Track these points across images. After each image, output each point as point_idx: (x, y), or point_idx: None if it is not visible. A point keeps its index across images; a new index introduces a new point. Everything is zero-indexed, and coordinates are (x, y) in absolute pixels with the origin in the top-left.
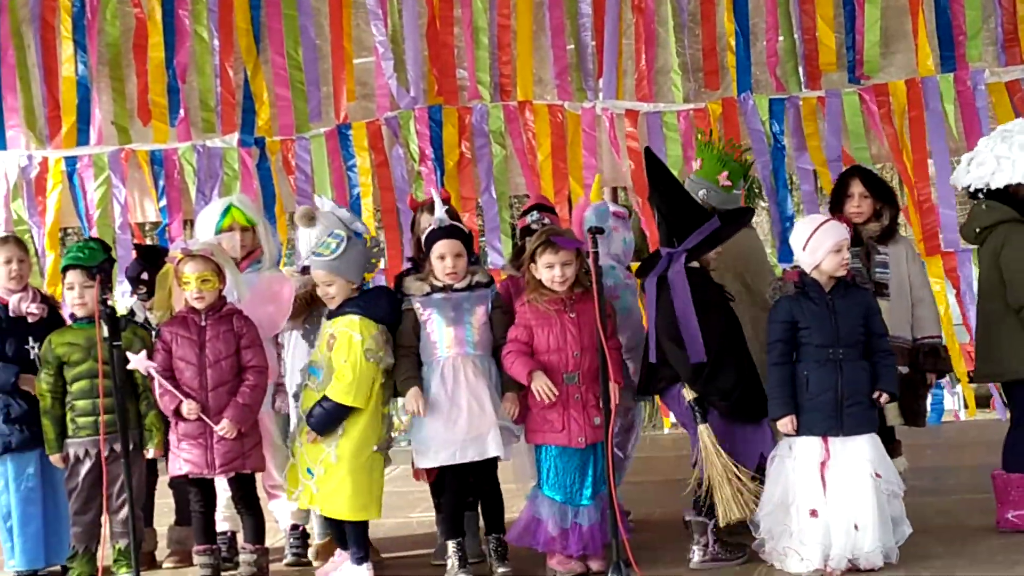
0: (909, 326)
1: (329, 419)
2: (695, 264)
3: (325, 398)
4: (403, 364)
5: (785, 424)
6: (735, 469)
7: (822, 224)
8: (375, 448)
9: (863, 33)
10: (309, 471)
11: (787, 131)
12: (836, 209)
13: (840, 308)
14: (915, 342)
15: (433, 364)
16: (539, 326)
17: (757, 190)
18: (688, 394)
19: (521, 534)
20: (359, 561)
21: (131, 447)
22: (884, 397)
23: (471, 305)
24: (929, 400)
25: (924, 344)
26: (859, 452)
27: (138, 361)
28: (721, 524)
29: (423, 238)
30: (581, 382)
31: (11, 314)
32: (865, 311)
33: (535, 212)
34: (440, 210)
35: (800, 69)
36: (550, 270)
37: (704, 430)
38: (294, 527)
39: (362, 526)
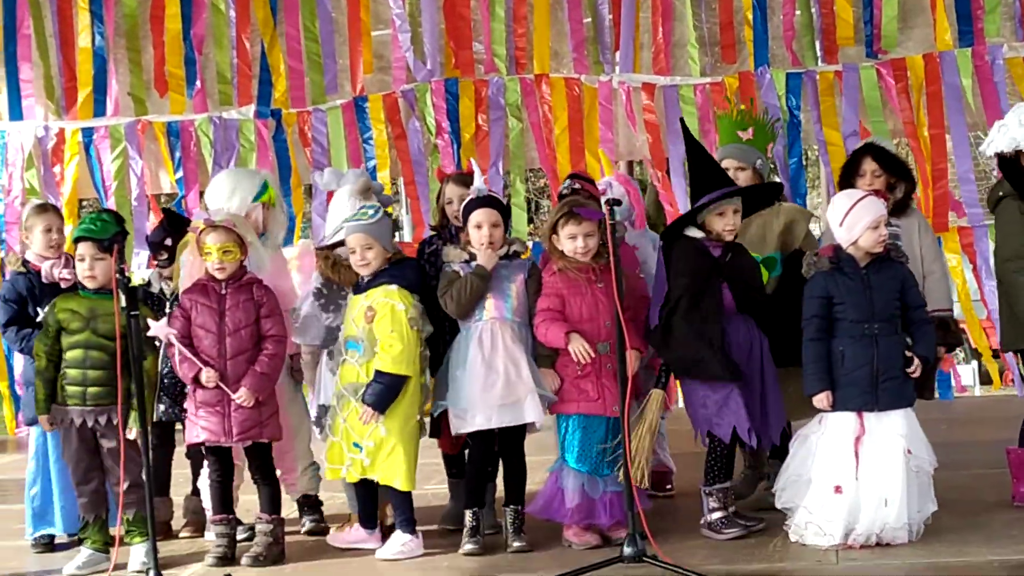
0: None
1: (388, 393)
2: (697, 233)
3: (379, 373)
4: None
5: (821, 400)
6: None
7: (860, 199)
8: (418, 417)
9: (881, 7)
10: (356, 444)
11: (804, 106)
12: (845, 185)
13: (875, 283)
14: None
15: (471, 329)
16: (571, 295)
17: (772, 165)
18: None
19: (544, 507)
20: (411, 529)
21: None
22: (916, 363)
23: (509, 273)
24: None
25: (935, 317)
26: (893, 427)
27: (158, 328)
28: (636, 482)
29: (462, 208)
30: (613, 351)
31: (44, 280)
32: (901, 284)
33: (568, 181)
34: (479, 180)
35: (817, 43)
36: (572, 241)
37: (656, 394)
38: (305, 497)
39: (409, 494)
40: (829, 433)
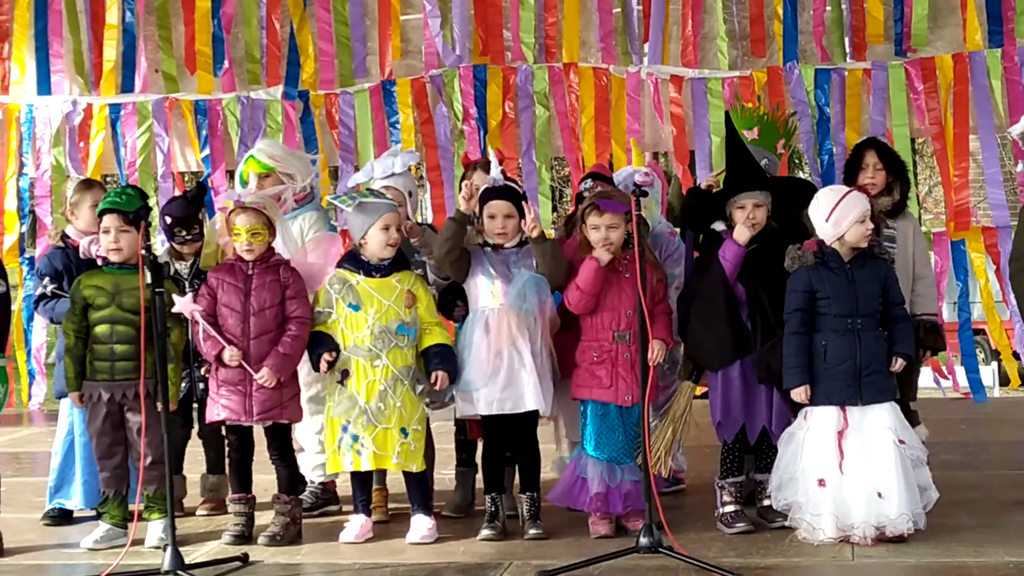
0: (908, 302)
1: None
2: (720, 226)
3: (446, 347)
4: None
5: (799, 393)
6: (678, 433)
7: (846, 195)
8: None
9: (912, 6)
10: (403, 431)
11: (831, 102)
12: (850, 180)
13: (859, 278)
14: (914, 318)
15: (477, 314)
16: None
17: (797, 161)
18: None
19: (563, 495)
20: (431, 513)
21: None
22: (900, 361)
23: (519, 259)
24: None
25: (923, 321)
26: (879, 420)
27: (184, 304)
28: (656, 472)
29: (478, 195)
30: (632, 341)
31: (81, 256)
32: (883, 281)
33: (589, 180)
34: (496, 169)
35: (846, 40)
36: (596, 232)
37: (686, 386)
38: (322, 484)
39: (427, 479)
40: (813, 428)
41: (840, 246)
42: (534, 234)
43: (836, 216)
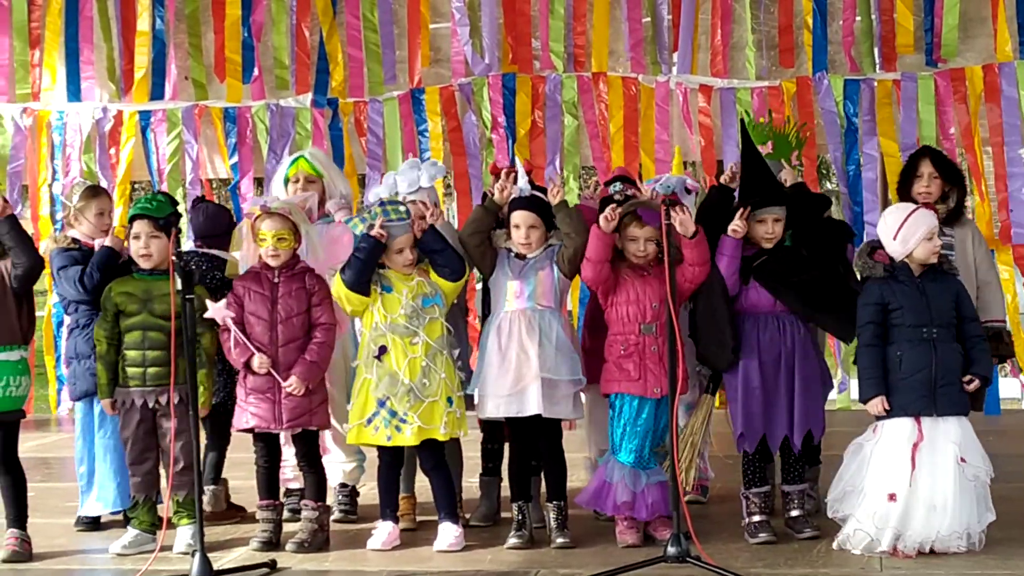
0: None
1: None
2: (731, 235)
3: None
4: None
5: (875, 404)
6: (700, 445)
7: (913, 212)
8: None
9: (942, 16)
10: (449, 400)
11: (860, 113)
12: (904, 189)
13: (930, 291)
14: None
15: (494, 317)
16: (618, 276)
17: (825, 171)
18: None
19: (591, 499)
20: (457, 521)
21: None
22: (975, 383)
23: (537, 261)
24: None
25: (988, 328)
26: (948, 434)
27: (216, 310)
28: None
29: (506, 205)
30: (658, 333)
31: (120, 260)
32: (956, 296)
33: (618, 183)
34: (523, 179)
35: (876, 50)
36: (634, 243)
37: (705, 400)
38: (343, 486)
39: (453, 486)
40: (885, 440)
41: (910, 262)
42: (556, 200)
43: (904, 234)
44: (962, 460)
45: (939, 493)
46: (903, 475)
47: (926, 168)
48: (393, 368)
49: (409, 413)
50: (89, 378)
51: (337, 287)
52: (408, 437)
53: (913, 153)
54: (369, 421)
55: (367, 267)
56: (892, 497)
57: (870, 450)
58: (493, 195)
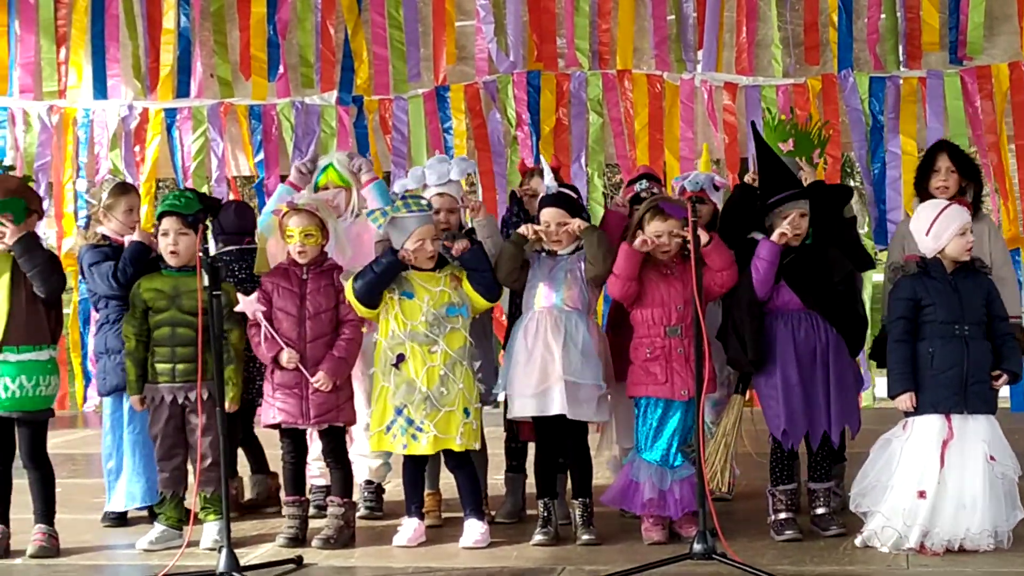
0: None
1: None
2: (759, 235)
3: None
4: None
5: (904, 400)
6: (733, 446)
7: (945, 208)
8: None
9: (967, 13)
10: (466, 411)
11: (886, 110)
12: (921, 184)
13: (963, 288)
14: None
15: (523, 317)
16: (644, 277)
17: (849, 169)
18: None
19: (617, 497)
20: (483, 517)
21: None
22: (1004, 378)
23: (567, 263)
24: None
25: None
26: (978, 432)
27: (247, 303)
28: (710, 487)
29: (535, 201)
30: (684, 335)
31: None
32: (987, 294)
33: (644, 180)
34: (549, 177)
35: (900, 48)
36: (657, 238)
37: (735, 399)
38: (368, 483)
39: (479, 482)
40: (915, 437)
41: (943, 259)
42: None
43: (936, 230)
44: (991, 458)
45: (968, 491)
46: (932, 472)
47: (943, 162)
48: (411, 376)
49: (425, 422)
50: (119, 373)
51: (348, 292)
52: (424, 446)
53: (930, 147)
54: (388, 429)
55: (381, 283)
56: (922, 494)
57: (899, 446)
58: (515, 231)
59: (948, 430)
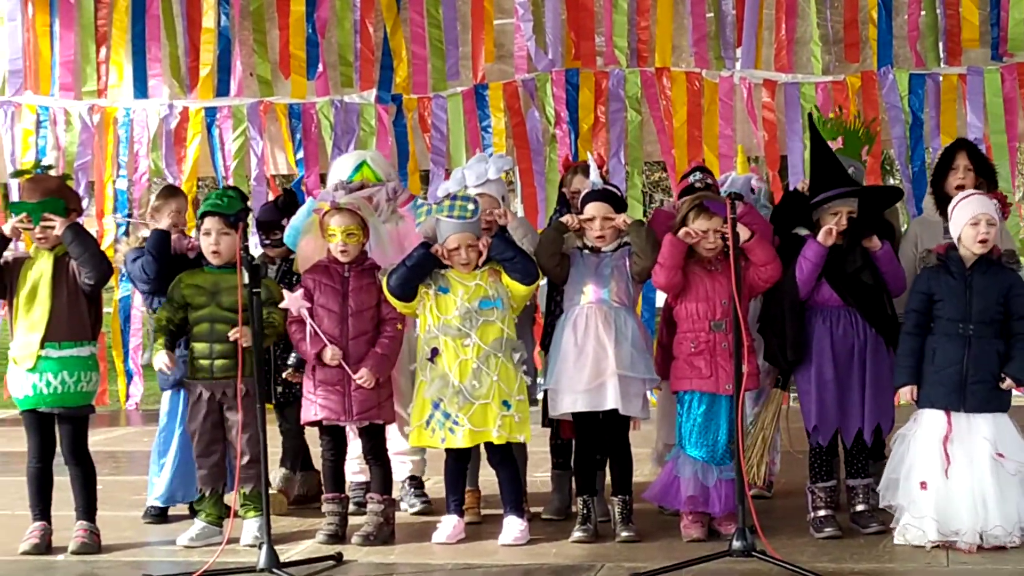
0: None
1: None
2: (803, 231)
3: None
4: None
5: (905, 393)
6: (770, 441)
7: (964, 197)
8: None
9: (1008, 9)
10: (505, 403)
11: (926, 107)
12: (939, 181)
13: (977, 285)
14: None
15: (569, 312)
16: (689, 273)
17: (888, 167)
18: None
19: (660, 493)
20: (522, 514)
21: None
22: (1008, 382)
23: (613, 260)
24: None
25: None
26: (980, 430)
27: (292, 300)
28: (747, 479)
29: (578, 200)
30: (728, 330)
31: (173, 252)
32: (1007, 291)
33: (697, 172)
34: (595, 173)
35: (940, 44)
36: (702, 234)
37: (775, 394)
38: (413, 478)
39: (520, 479)
40: (921, 431)
41: (964, 251)
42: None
43: (954, 218)
44: (999, 455)
45: (978, 488)
46: (935, 465)
47: (962, 161)
48: (444, 370)
49: (460, 415)
50: (181, 367)
51: (385, 288)
52: (460, 440)
53: (949, 146)
54: (427, 423)
55: (412, 276)
56: (923, 485)
57: (910, 440)
58: (558, 219)
59: (947, 426)
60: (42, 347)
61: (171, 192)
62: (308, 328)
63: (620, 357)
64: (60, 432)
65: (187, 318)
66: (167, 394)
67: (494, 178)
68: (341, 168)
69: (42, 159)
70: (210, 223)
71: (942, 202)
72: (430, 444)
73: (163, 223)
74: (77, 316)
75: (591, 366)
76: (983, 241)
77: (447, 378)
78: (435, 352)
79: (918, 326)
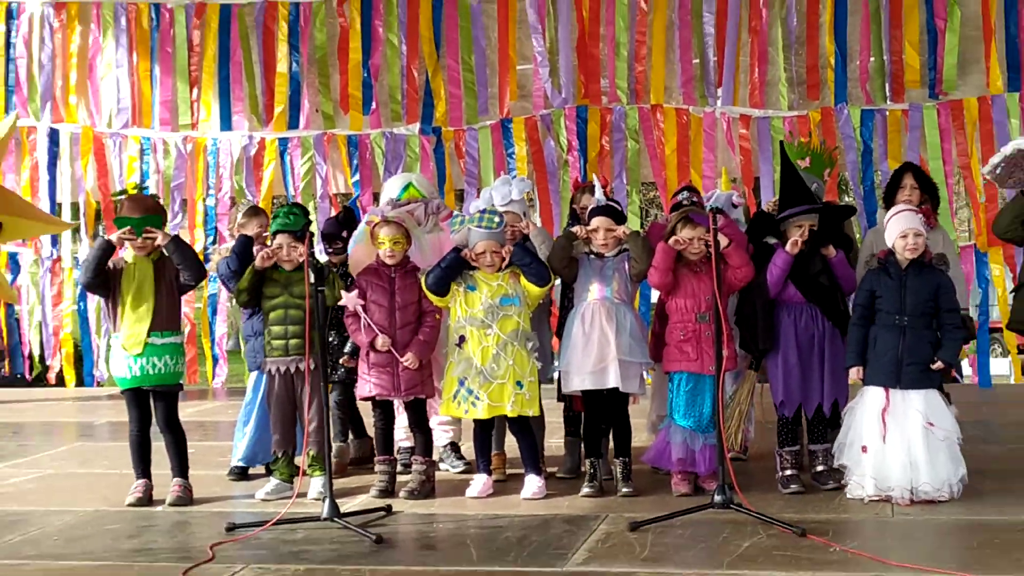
0: None
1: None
2: (772, 240)
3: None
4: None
5: (853, 373)
6: (745, 413)
7: (896, 213)
8: None
9: (943, 56)
10: (519, 383)
11: (875, 138)
12: (890, 197)
13: (911, 284)
14: None
15: (578, 307)
16: (679, 274)
17: (844, 187)
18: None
19: (655, 456)
20: (540, 472)
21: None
22: (938, 364)
23: (614, 263)
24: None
25: None
26: (913, 404)
27: (349, 298)
28: (727, 445)
29: (586, 214)
30: (711, 321)
31: (257, 267)
32: (936, 289)
33: (686, 192)
34: (599, 192)
35: (886, 85)
36: (688, 241)
37: (748, 375)
38: (452, 444)
39: (536, 442)
40: (864, 403)
41: (899, 255)
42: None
43: (887, 231)
44: (930, 424)
45: (911, 452)
46: (874, 433)
47: (909, 180)
48: (469, 354)
49: (481, 392)
50: (260, 352)
51: (423, 284)
52: (480, 412)
53: (898, 168)
54: (454, 397)
55: (446, 276)
56: (864, 449)
57: (856, 411)
58: (567, 229)
59: (886, 400)
60: (148, 336)
61: (255, 212)
62: (362, 321)
63: (620, 344)
64: (155, 406)
65: (262, 290)
66: (254, 374)
67: (517, 198)
68: (391, 187)
69: (144, 182)
70: (281, 239)
71: None
72: (455, 414)
73: (249, 235)
74: (172, 310)
75: (596, 352)
76: (912, 250)
77: (471, 361)
78: (462, 339)
79: (863, 318)
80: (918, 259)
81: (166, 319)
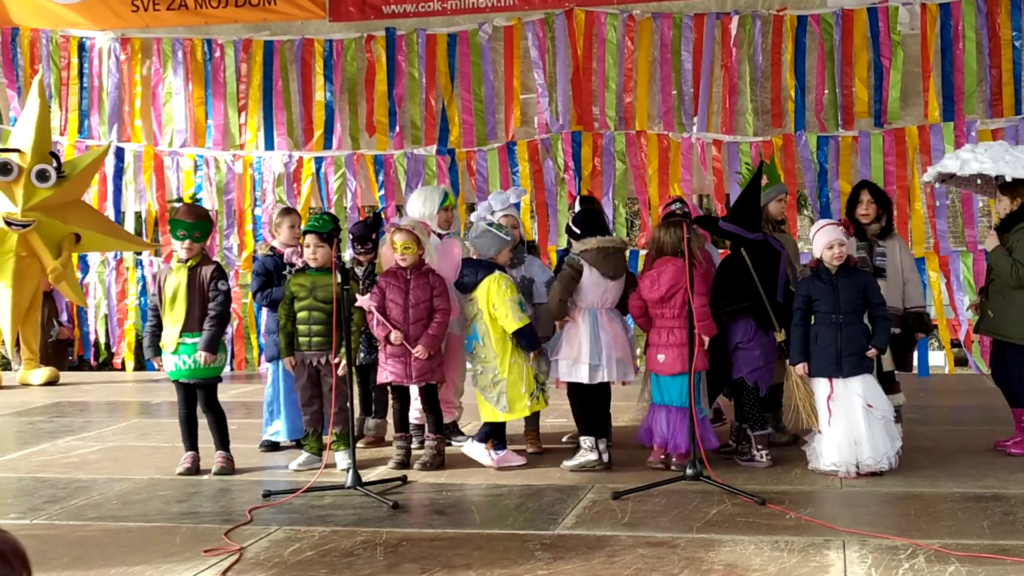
0: (901, 299)
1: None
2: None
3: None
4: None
5: (799, 368)
6: (806, 394)
7: (821, 227)
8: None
9: (887, 90)
10: (537, 379)
11: (829, 160)
12: (850, 212)
13: (841, 286)
14: (905, 310)
15: (581, 310)
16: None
17: (803, 202)
18: (779, 336)
19: (641, 435)
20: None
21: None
22: (872, 351)
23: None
24: (916, 357)
25: (912, 312)
26: (854, 388)
27: (363, 300)
28: (806, 426)
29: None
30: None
31: (285, 261)
32: (863, 288)
33: (677, 203)
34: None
35: (839, 115)
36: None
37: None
38: (454, 424)
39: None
40: (815, 392)
41: (827, 263)
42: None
43: (814, 242)
44: (869, 406)
45: (854, 431)
46: (822, 416)
47: (865, 196)
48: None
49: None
50: (273, 347)
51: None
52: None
53: (856, 185)
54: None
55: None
56: (818, 431)
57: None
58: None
59: (830, 388)
60: (180, 336)
61: (287, 211)
62: (376, 318)
63: (615, 344)
64: (198, 393)
65: (294, 309)
66: (271, 364)
67: (514, 202)
68: (431, 199)
69: (199, 193)
70: (310, 238)
71: (854, 224)
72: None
73: (283, 232)
74: (204, 313)
75: (595, 350)
76: (839, 258)
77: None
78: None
79: (803, 319)
80: (844, 264)
81: (197, 321)
